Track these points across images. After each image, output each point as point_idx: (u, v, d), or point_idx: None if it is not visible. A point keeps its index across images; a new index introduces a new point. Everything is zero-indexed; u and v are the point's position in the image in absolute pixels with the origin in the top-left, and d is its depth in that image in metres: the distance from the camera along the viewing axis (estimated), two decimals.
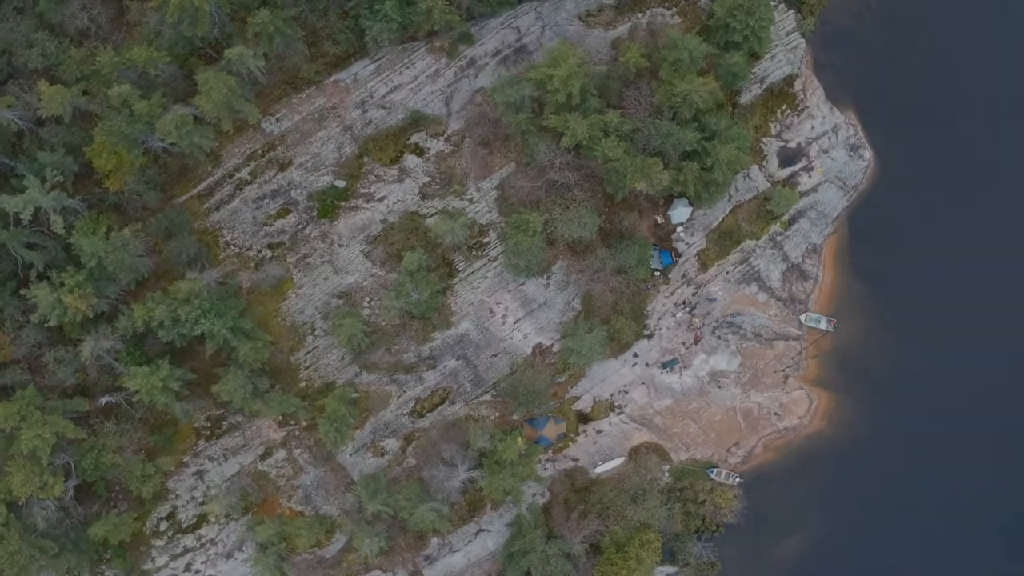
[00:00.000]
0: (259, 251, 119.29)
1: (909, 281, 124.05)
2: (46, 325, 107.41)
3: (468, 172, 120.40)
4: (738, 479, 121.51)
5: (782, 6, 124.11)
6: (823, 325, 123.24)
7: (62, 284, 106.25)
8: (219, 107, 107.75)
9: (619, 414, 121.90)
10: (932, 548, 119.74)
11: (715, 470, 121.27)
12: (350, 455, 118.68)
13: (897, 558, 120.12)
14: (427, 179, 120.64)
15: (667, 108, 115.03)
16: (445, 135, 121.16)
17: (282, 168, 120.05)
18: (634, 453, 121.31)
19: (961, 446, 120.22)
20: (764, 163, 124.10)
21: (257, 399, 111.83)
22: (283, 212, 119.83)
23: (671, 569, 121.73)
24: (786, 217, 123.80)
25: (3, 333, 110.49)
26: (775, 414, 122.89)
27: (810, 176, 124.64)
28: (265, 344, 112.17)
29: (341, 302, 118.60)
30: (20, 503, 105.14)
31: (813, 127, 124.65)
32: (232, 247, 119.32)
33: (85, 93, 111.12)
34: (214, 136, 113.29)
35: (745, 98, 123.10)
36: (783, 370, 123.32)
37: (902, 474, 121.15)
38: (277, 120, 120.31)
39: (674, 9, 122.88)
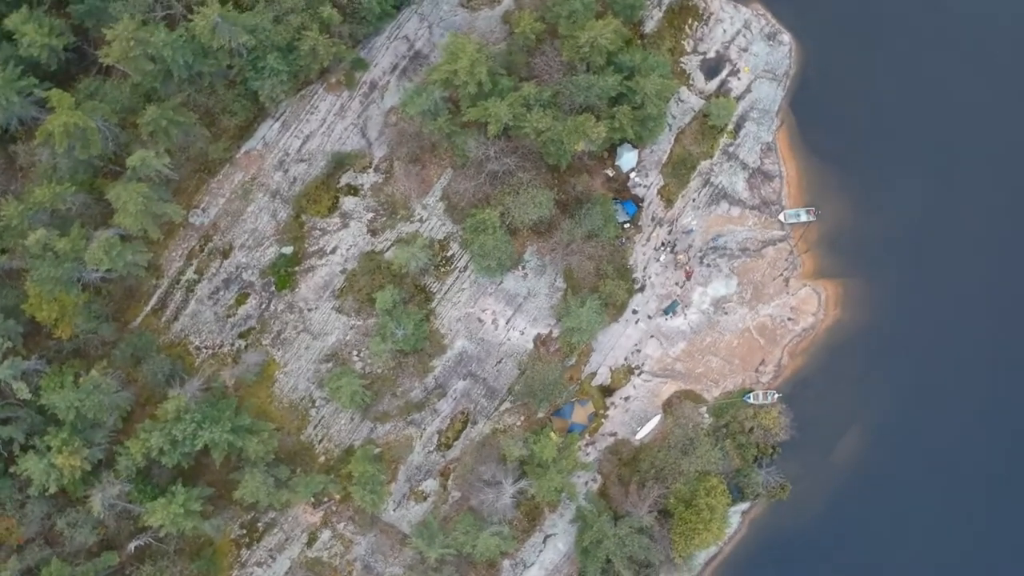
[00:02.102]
0: (232, 345, 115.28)
1: (868, 144, 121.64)
2: (47, 494, 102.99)
3: (408, 193, 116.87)
4: (776, 395, 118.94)
5: None
6: (804, 217, 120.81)
7: (48, 448, 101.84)
8: (140, 218, 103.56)
9: (639, 374, 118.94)
10: (981, 398, 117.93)
11: (751, 395, 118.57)
12: (393, 510, 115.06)
13: (955, 419, 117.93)
14: (371, 215, 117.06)
15: (579, 62, 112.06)
16: (373, 166, 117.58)
17: (225, 255, 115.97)
18: (668, 407, 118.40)
19: (973, 284, 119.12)
20: (691, 82, 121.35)
21: (282, 489, 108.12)
22: (242, 298, 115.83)
23: (744, 506, 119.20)
24: (730, 126, 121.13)
25: (7, 517, 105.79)
26: (789, 319, 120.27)
27: (739, 79, 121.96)
28: (270, 434, 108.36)
29: (330, 365, 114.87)
30: None
31: (725, 30, 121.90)
32: (204, 350, 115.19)
33: (3, 252, 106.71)
34: (146, 248, 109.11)
35: (650, 26, 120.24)
36: (781, 274, 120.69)
37: (931, 333, 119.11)
38: (203, 210, 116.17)
39: None
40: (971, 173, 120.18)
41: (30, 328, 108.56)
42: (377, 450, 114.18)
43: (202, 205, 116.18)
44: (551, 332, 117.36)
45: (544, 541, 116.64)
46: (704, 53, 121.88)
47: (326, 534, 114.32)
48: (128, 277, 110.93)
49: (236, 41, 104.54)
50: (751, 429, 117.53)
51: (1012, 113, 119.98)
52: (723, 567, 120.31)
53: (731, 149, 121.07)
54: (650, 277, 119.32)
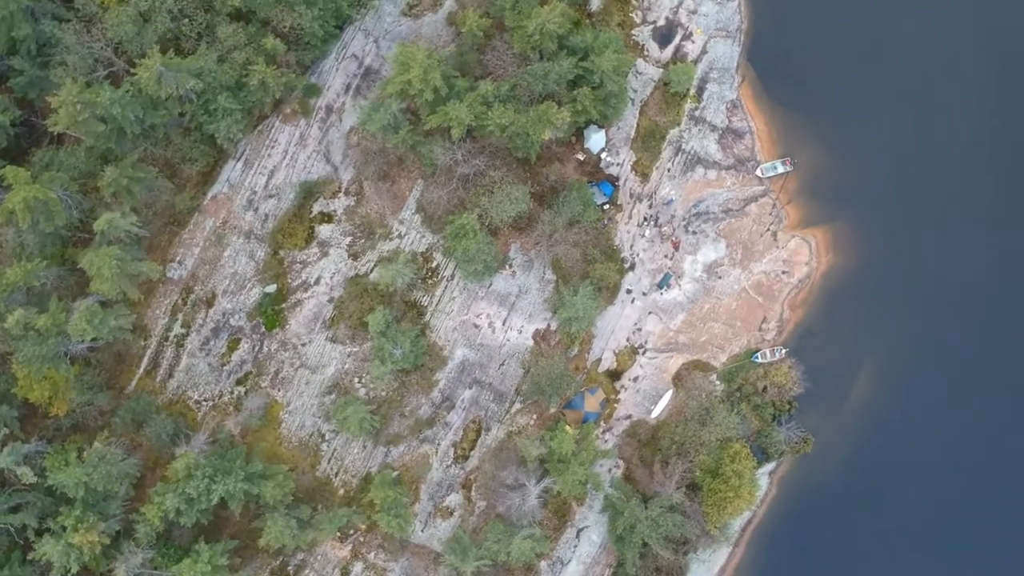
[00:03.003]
0: (231, 393, 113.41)
1: (831, 85, 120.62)
2: (71, 575, 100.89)
3: (383, 211, 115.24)
4: (783, 350, 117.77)
5: None
6: (780, 169, 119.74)
7: (64, 528, 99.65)
8: (117, 282, 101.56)
9: (644, 353, 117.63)
10: (986, 319, 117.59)
11: (758, 354, 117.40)
12: (422, 531, 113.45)
13: (963, 345, 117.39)
14: (349, 239, 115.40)
15: (531, 51, 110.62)
16: (343, 190, 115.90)
17: (209, 304, 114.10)
18: (678, 381, 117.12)
19: (959, 207, 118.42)
20: (646, 53, 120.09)
21: (307, 529, 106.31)
22: (233, 344, 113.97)
23: (770, 466, 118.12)
24: (693, 90, 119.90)
25: None
26: (783, 273, 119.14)
27: (693, 41, 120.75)
28: (285, 475, 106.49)
29: (333, 396, 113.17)
30: None
31: None
32: (204, 403, 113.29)
33: None
34: (129, 311, 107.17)
35: (595, 3, 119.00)
36: (768, 229, 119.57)
37: (927, 262, 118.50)
38: (179, 263, 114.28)
39: None
40: (937, 99, 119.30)
41: (25, 410, 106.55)
42: (395, 473, 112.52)
43: (178, 258, 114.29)
44: (549, 326, 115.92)
45: (578, 536, 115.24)
46: (654, 22, 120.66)
47: (358, 566, 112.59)
48: (115, 343, 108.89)
49: (183, 87, 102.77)
50: (764, 388, 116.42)
51: (971, 34, 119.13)
52: (760, 530, 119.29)
53: (697, 113, 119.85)
54: (638, 254, 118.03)
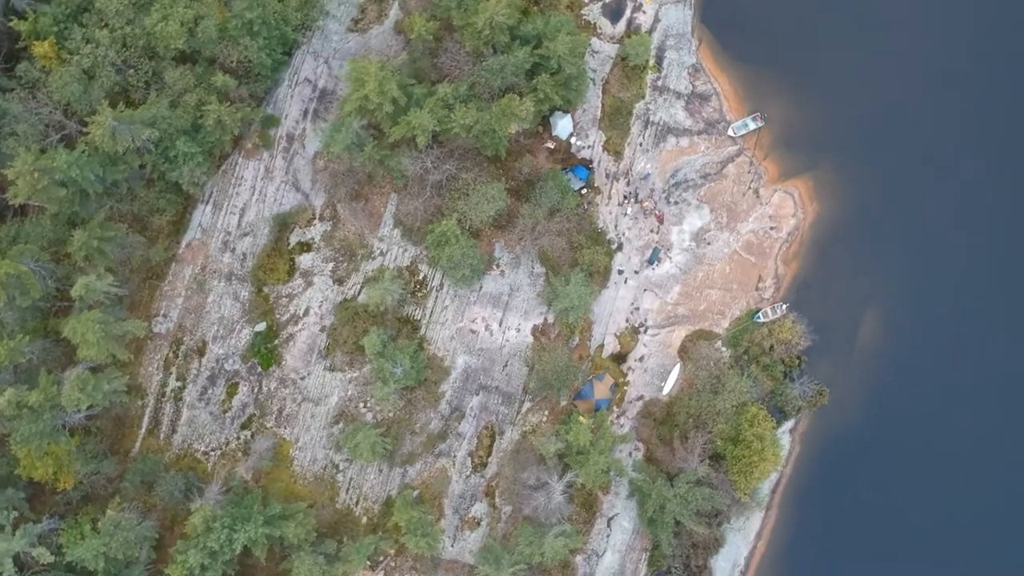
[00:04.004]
0: (237, 438, 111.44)
1: (789, 34, 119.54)
2: None
3: (361, 231, 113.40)
4: (784, 306, 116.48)
5: None
6: (752, 125, 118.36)
7: None
8: (104, 346, 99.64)
9: (645, 331, 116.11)
10: (980, 246, 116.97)
11: (760, 314, 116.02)
12: (451, 546, 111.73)
13: (961, 275, 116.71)
14: (331, 265, 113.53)
15: (484, 47, 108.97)
16: (317, 216, 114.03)
17: (201, 353, 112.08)
18: (684, 353, 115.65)
19: (936, 139, 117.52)
20: (599, 31, 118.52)
21: (335, 564, 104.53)
22: (232, 389, 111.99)
23: (789, 424, 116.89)
24: (652, 61, 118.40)
25: None
26: (772, 229, 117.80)
27: (644, 12, 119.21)
28: (305, 513, 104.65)
29: (341, 425, 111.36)
30: None
31: None
32: (212, 453, 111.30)
33: None
34: (120, 372, 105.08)
35: None
36: (749, 188, 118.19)
37: (911, 196, 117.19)
38: (164, 316, 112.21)
39: None
40: (900, 30, 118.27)
41: (32, 489, 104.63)
42: (415, 492, 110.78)
43: (162, 311, 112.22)
44: (546, 319, 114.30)
45: (609, 525, 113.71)
46: None
47: None
48: (112, 407, 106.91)
49: (139, 139, 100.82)
50: (771, 347, 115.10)
51: None
52: (789, 489, 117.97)
53: (660, 83, 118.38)
54: (624, 233, 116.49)
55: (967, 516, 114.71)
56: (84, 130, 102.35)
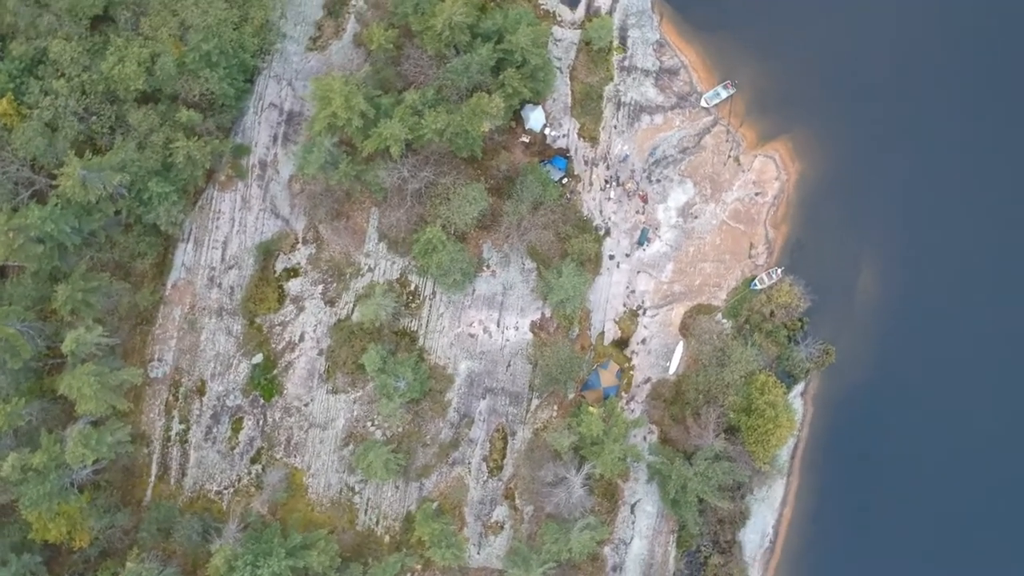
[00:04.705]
0: (248, 473, 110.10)
1: None
2: None
3: (346, 250, 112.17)
4: (779, 270, 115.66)
5: None
6: (723, 94, 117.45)
7: None
8: (102, 398, 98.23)
9: (644, 313, 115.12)
10: (968, 187, 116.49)
11: (756, 281, 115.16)
12: (478, 553, 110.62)
13: (953, 212, 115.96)
14: (320, 287, 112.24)
15: (446, 49, 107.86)
16: (300, 240, 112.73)
17: (201, 393, 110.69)
18: (685, 330, 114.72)
19: (912, 84, 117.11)
20: (559, 18, 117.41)
21: None
22: (237, 425, 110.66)
23: (800, 387, 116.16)
24: (615, 42, 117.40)
25: None
26: (757, 194, 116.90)
27: None
28: (326, 540, 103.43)
29: (351, 447, 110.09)
30: None
31: None
32: (225, 491, 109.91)
33: None
34: (122, 422, 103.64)
35: None
36: (729, 157, 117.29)
37: (892, 144, 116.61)
38: (159, 360, 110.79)
39: None
40: None
41: (48, 552, 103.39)
42: (435, 504, 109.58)
43: (156, 356, 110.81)
44: (543, 314, 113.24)
45: (632, 511, 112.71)
46: None
47: None
48: (119, 458, 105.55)
49: (111, 185, 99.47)
50: (771, 313, 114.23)
51: None
52: (808, 452, 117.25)
53: (627, 63, 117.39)
54: (610, 218, 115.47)
55: (981, 451, 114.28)
56: (54, 183, 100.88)
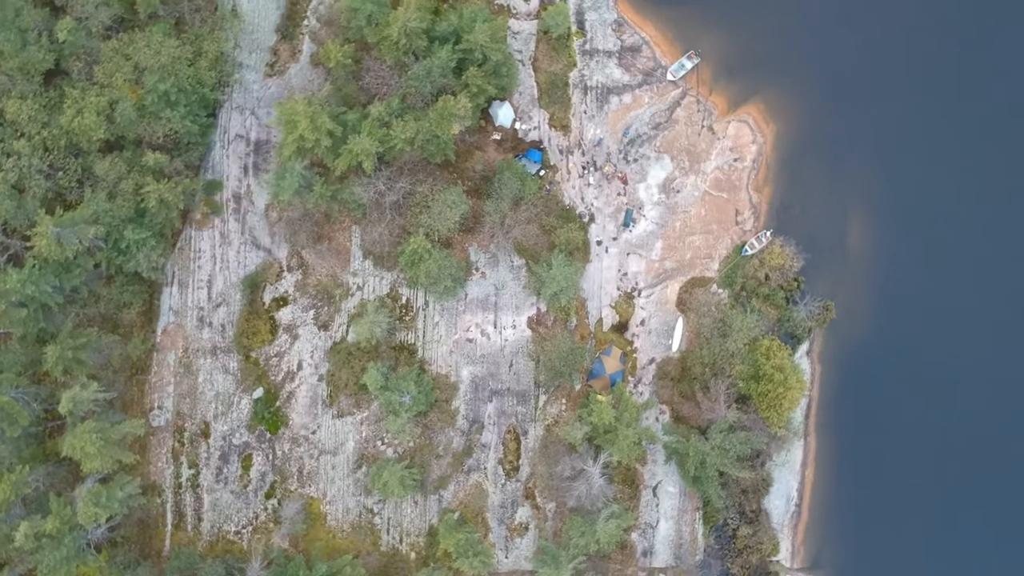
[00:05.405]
0: (265, 509, 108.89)
1: None
2: None
3: (332, 272, 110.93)
4: (768, 233, 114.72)
5: None
6: (688, 64, 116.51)
7: None
8: (106, 454, 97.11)
9: (639, 295, 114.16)
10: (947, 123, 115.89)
11: (746, 247, 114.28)
12: (506, 557, 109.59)
13: (935, 150, 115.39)
14: (312, 313, 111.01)
15: (405, 57, 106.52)
16: (285, 268, 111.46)
17: (206, 435, 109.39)
18: (682, 306, 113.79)
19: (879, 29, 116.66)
20: (514, 11, 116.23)
21: None
22: (246, 462, 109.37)
23: (804, 347, 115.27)
24: (573, 27, 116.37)
25: None
26: (735, 160, 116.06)
27: None
28: (352, 565, 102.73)
29: (364, 468, 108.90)
30: None
31: None
32: (244, 530, 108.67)
33: (1, 567, 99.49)
34: (130, 476, 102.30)
35: None
36: (702, 127, 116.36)
37: (866, 88, 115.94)
38: (160, 407, 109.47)
39: None
40: None
41: None
42: (456, 514, 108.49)
43: (156, 404, 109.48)
44: (539, 309, 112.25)
45: (655, 494, 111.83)
46: None
47: None
48: (132, 512, 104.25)
49: (86, 239, 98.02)
50: (766, 277, 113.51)
51: None
52: (822, 411, 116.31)
53: (587, 47, 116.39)
54: (592, 204, 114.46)
55: (991, 389, 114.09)
56: (28, 244, 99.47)
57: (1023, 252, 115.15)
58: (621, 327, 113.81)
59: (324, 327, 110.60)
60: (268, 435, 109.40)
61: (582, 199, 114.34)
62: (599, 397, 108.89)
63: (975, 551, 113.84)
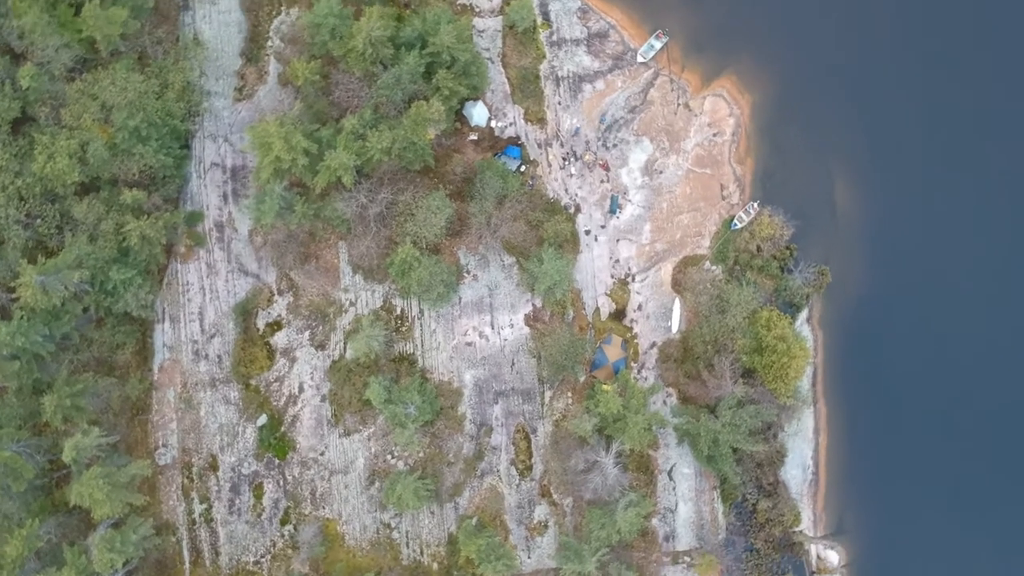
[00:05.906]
0: (281, 536, 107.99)
1: None
2: None
3: (323, 290, 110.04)
4: (755, 204, 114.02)
5: None
6: (657, 44, 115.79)
7: None
8: (115, 498, 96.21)
9: (633, 280, 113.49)
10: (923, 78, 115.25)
11: (735, 221, 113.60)
12: (528, 558, 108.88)
13: (912, 106, 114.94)
14: (307, 334, 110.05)
15: (373, 66, 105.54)
16: (275, 292, 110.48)
17: (214, 468, 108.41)
18: (678, 286, 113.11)
19: None
20: (477, 9, 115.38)
21: None
22: (258, 491, 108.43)
23: (804, 314, 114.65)
24: (539, 19, 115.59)
25: None
26: (715, 135, 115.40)
27: None
28: None
29: (377, 484, 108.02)
30: None
31: None
32: (263, 560, 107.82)
33: None
34: (143, 518, 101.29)
35: None
36: (678, 105, 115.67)
37: (840, 50, 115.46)
38: (164, 446, 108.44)
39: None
40: None
41: None
42: (474, 520, 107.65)
43: (160, 442, 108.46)
44: (535, 305, 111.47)
45: (671, 477, 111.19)
46: None
47: None
48: (148, 553, 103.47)
49: (71, 284, 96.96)
50: (758, 248, 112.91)
51: None
52: (829, 376, 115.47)
53: (554, 37, 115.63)
54: (576, 194, 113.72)
55: (992, 332, 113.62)
56: (14, 296, 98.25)
57: (1011, 194, 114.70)
58: (619, 314, 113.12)
59: (321, 347, 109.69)
60: (277, 461, 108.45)
61: (566, 190, 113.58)
62: (604, 387, 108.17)
63: (993, 494, 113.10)
